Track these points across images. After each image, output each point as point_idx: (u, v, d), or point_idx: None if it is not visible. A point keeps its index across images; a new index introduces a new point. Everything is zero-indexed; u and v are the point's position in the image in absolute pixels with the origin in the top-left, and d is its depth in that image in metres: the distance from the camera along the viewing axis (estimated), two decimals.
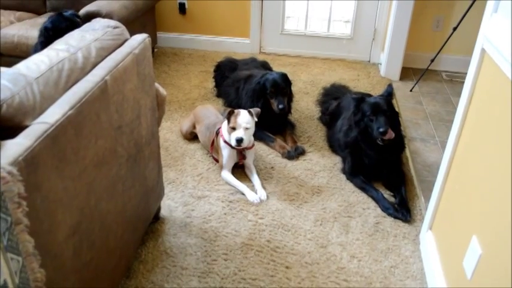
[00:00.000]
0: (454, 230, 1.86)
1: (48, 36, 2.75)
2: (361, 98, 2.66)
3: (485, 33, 1.66)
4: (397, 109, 2.76)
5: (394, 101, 2.70)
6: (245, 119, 2.58)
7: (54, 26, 2.78)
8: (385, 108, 2.56)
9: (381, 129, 2.50)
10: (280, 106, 3.00)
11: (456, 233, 1.82)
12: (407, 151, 3.00)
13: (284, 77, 3.10)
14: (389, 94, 2.67)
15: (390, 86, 2.72)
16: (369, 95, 3.31)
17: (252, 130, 2.65)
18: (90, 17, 2.91)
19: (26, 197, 1.03)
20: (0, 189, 0.96)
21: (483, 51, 1.69)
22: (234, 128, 2.58)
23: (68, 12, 2.89)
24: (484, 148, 1.62)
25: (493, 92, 1.58)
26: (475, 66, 1.74)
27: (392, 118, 2.61)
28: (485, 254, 1.50)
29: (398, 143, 2.74)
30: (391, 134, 2.52)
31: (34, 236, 1.07)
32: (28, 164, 1.08)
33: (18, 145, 1.09)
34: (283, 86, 3.05)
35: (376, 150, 2.61)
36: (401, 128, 2.86)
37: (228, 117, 2.60)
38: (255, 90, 3.10)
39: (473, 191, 1.69)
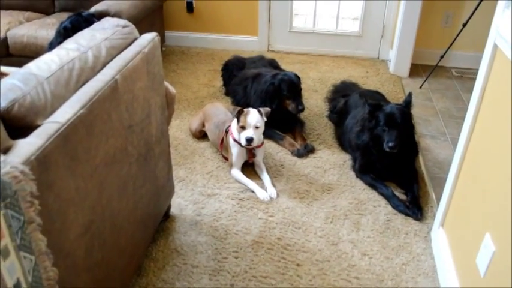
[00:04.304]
0: (467, 227, 1.84)
1: (67, 36, 2.76)
2: (377, 105, 2.59)
3: (497, 29, 1.65)
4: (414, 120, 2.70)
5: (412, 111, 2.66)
6: (255, 118, 2.58)
7: (74, 26, 2.77)
8: (399, 122, 2.51)
9: (390, 144, 2.47)
10: (300, 107, 3.01)
11: (469, 230, 1.81)
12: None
13: (297, 76, 3.10)
14: (407, 104, 2.60)
15: (410, 95, 2.64)
16: (377, 93, 3.31)
17: (262, 129, 2.64)
18: (99, 16, 2.93)
19: (38, 196, 1.03)
20: (13, 188, 0.96)
21: (495, 46, 1.67)
22: (243, 127, 2.58)
23: (85, 13, 2.90)
24: (497, 144, 1.60)
25: (505, 87, 1.56)
26: (487, 61, 1.72)
27: (406, 130, 2.57)
28: (498, 251, 1.49)
29: (411, 150, 2.71)
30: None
31: (46, 235, 1.08)
32: (40, 163, 1.09)
33: (30, 144, 1.10)
34: (299, 87, 3.06)
35: (387, 157, 2.58)
36: (416, 136, 2.83)
37: (238, 116, 2.59)
38: (269, 91, 3.06)
39: (486, 187, 1.67)
